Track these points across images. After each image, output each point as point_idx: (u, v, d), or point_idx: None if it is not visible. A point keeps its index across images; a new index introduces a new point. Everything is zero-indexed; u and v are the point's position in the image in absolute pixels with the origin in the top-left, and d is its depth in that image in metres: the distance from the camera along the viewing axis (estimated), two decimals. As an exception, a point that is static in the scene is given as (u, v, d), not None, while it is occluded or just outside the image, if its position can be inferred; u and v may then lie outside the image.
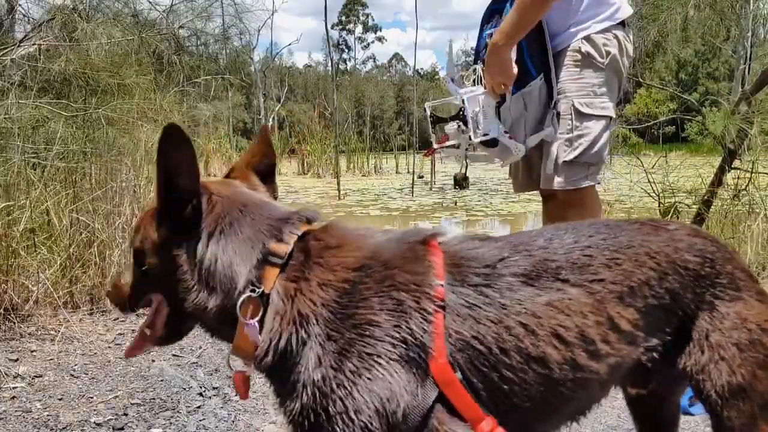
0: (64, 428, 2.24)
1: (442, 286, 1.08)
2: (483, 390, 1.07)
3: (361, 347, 1.03)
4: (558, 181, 2.46)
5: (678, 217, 5.09)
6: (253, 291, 1.09)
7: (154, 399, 2.49)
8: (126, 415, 2.35)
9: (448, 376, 1.04)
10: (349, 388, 1.01)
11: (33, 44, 4.89)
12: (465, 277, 1.11)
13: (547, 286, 1.12)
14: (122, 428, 2.25)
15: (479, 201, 12.63)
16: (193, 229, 1.13)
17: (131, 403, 2.45)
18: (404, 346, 1.03)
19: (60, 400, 2.48)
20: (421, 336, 1.04)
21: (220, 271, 1.11)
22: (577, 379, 1.11)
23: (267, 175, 1.35)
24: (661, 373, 1.23)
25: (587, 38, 2.41)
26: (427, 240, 1.16)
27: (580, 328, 1.10)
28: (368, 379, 1.01)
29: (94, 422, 2.29)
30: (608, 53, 2.41)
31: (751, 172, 4.80)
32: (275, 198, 1.36)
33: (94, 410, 2.39)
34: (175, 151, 1.09)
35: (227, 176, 1.33)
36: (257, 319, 1.08)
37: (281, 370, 1.08)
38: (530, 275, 1.12)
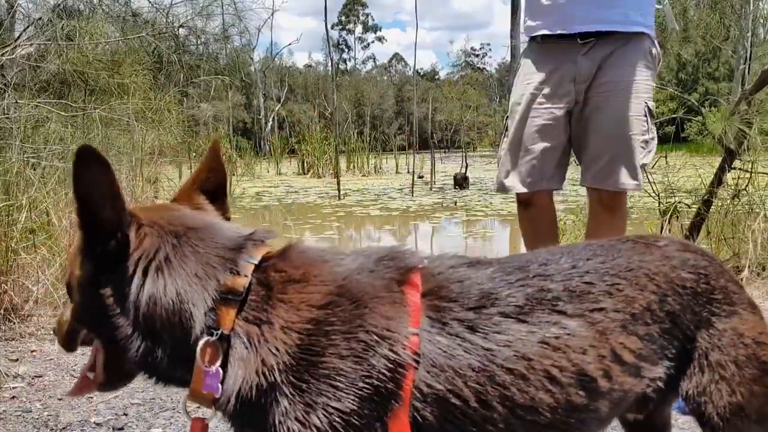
0: (64, 428, 2.24)
1: (416, 335, 0.97)
2: None
3: (326, 400, 0.94)
4: (634, 183, 2.44)
5: (678, 217, 5.09)
6: (211, 335, 0.97)
7: (154, 399, 2.48)
8: (126, 415, 2.35)
9: None
10: None
11: (32, 44, 4.89)
12: (445, 324, 0.99)
13: (543, 321, 1.02)
14: (122, 428, 2.24)
15: (479, 201, 12.63)
16: (119, 266, 0.99)
17: (131, 403, 2.45)
18: (370, 400, 0.94)
19: (60, 400, 2.48)
20: (388, 391, 0.95)
21: (165, 316, 0.98)
22: (572, 421, 1.02)
23: (216, 194, 1.20)
24: (661, 399, 1.17)
25: (653, 41, 2.43)
26: (406, 276, 1.03)
27: (578, 366, 1.01)
28: None
29: (94, 422, 2.28)
30: (660, 60, 2.48)
31: (751, 172, 4.79)
32: (227, 219, 1.21)
33: (94, 410, 2.39)
34: (91, 177, 0.95)
35: (175, 200, 1.19)
36: (218, 364, 0.97)
37: (245, 417, 0.99)
38: (523, 310, 1.02)
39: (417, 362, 0.96)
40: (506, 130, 2.66)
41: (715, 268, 1.19)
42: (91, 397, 2.52)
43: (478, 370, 0.97)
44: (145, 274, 0.99)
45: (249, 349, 0.97)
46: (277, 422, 0.95)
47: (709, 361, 1.12)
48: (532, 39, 2.56)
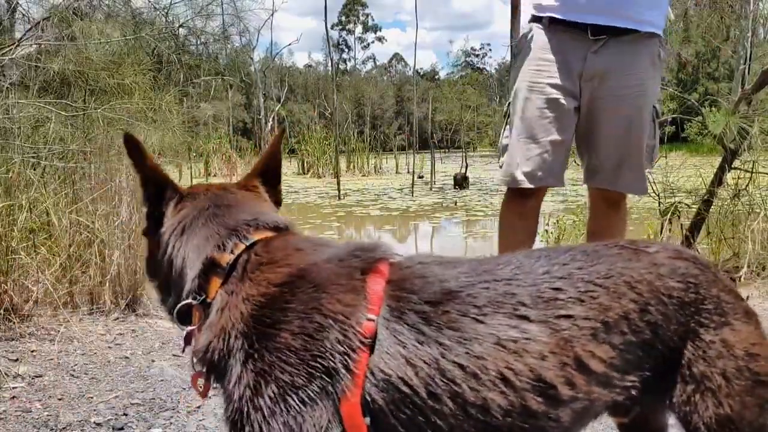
0: (64, 428, 2.24)
1: (372, 321, 1.00)
2: None
3: (279, 373, 0.99)
4: (641, 189, 2.46)
5: (678, 217, 5.09)
6: (194, 299, 1.12)
7: (154, 399, 2.48)
8: (126, 415, 2.35)
9: (357, 420, 0.97)
10: (266, 414, 0.98)
11: (32, 44, 4.89)
12: (403, 313, 1.02)
13: (501, 323, 1.01)
14: (122, 428, 2.25)
15: (479, 201, 12.63)
16: (160, 228, 1.21)
17: (131, 403, 2.45)
18: (320, 379, 0.98)
19: (60, 400, 2.48)
20: (339, 372, 0.98)
21: (174, 276, 1.17)
22: (528, 427, 1.01)
23: (271, 178, 1.36)
24: (644, 404, 1.16)
25: (661, 42, 2.38)
26: (372, 265, 1.07)
27: (535, 371, 1.00)
28: (284, 410, 0.98)
29: (94, 422, 2.28)
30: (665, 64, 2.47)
31: (751, 172, 4.80)
32: (278, 201, 1.36)
33: (94, 410, 2.39)
34: (139, 158, 1.19)
35: (238, 182, 1.37)
36: (196, 326, 1.12)
37: (218, 377, 1.10)
38: (482, 311, 1.02)
39: (370, 347, 0.99)
40: (508, 116, 2.50)
41: (708, 277, 1.16)
42: (92, 397, 2.52)
43: (429, 362, 0.99)
44: (171, 237, 1.19)
45: (216, 315, 1.08)
46: (232, 384, 1.02)
47: (693, 372, 1.10)
48: (537, 19, 2.42)
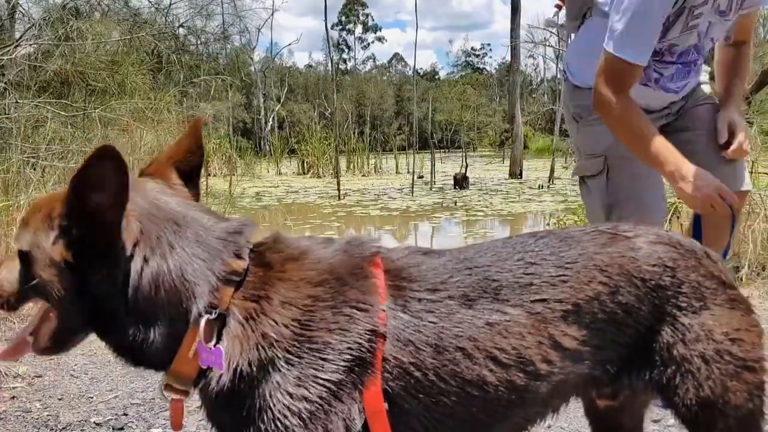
0: (64, 428, 2.24)
1: (384, 310, 1.05)
2: (416, 415, 1.05)
3: (315, 371, 1.00)
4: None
5: (678, 217, 5.09)
6: (210, 314, 0.99)
7: (154, 399, 2.48)
8: (126, 415, 2.35)
9: (378, 405, 1.01)
10: (306, 419, 0.98)
11: (32, 44, 4.90)
12: (407, 302, 1.08)
13: (486, 308, 1.09)
14: (122, 428, 2.25)
15: (479, 201, 12.63)
16: (114, 252, 0.97)
17: (131, 403, 2.45)
18: (351, 371, 1.01)
19: (60, 400, 2.48)
20: (366, 361, 1.02)
21: (164, 297, 0.99)
22: (515, 399, 1.10)
23: (190, 175, 1.18)
24: (628, 384, 1.19)
25: None
26: (371, 258, 1.11)
27: (517, 349, 1.09)
28: (320, 407, 0.99)
29: (94, 422, 2.29)
30: None
31: (752, 172, 4.80)
32: (196, 196, 1.20)
33: (94, 410, 2.39)
34: (111, 170, 0.94)
35: (144, 172, 1.17)
36: (213, 342, 1.00)
37: (231, 397, 1.01)
38: (470, 296, 1.10)
39: (385, 335, 1.04)
40: (605, 172, 2.33)
41: (688, 262, 1.17)
42: (92, 397, 2.52)
43: (434, 346, 1.06)
44: (146, 259, 0.99)
45: (245, 324, 1.02)
46: (268, 395, 0.99)
47: (671, 355, 1.14)
48: None
